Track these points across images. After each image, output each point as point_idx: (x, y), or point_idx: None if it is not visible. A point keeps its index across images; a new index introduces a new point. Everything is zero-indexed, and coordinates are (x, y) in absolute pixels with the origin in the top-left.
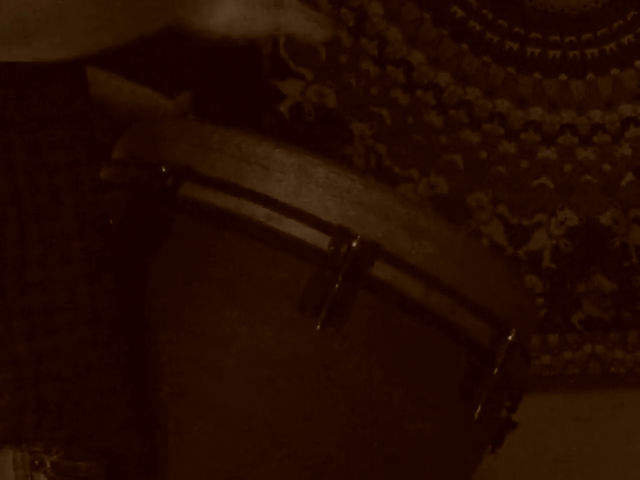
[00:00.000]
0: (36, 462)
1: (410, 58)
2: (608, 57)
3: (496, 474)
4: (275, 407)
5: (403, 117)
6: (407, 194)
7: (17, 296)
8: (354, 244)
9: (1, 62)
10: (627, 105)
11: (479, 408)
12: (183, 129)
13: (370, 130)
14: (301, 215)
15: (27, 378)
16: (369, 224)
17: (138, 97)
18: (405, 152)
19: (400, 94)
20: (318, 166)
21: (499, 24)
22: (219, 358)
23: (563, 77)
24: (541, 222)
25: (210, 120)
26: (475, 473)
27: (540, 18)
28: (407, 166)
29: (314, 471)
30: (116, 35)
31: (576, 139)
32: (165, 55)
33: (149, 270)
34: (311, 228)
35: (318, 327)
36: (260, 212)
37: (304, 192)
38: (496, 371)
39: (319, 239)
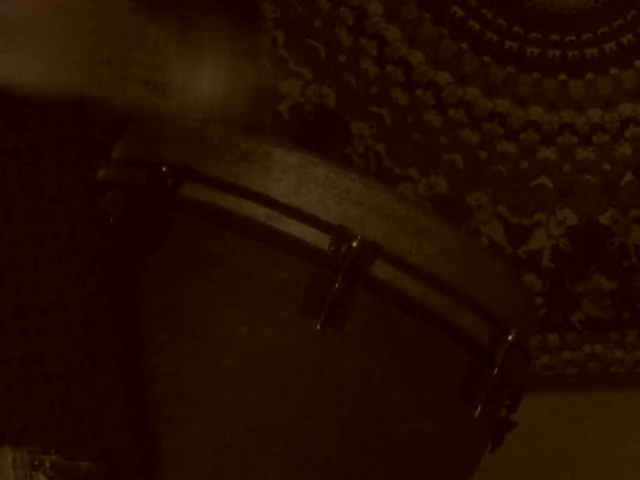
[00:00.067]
0: (35, 462)
1: (410, 57)
2: (608, 57)
3: (496, 473)
4: (275, 406)
5: (403, 117)
6: (407, 194)
7: (9, 297)
8: (354, 244)
9: None
10: (627, 104)
11: (479, 408)
12: (183, 129)
13: (370, 130)
14: (301, 215)
15: (17, 379)
16: (369, 224)
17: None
18: (405, 152)
19: (400, 94)
20: (318, 166)
21: (499, 23)
22: (219, 358)
23: (563, 77)
24: (540, 222)
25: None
26: (475, 472)
27: (540, 17)
28: (407, 166)
29: (314, 471)
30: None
31: (575, 139)
32: None
33: (149, 269)
34: (311, 228)
35: (318, 327)
36: (260, 212)
37: (304, 192)
38: (496, 371)
39: (319, 239)
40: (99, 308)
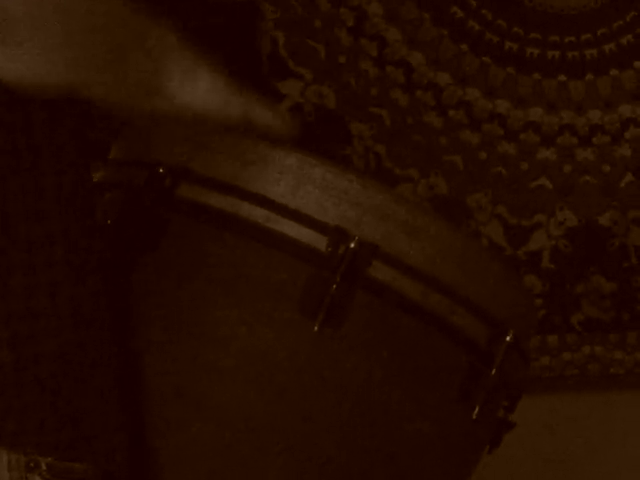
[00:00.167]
0: (31, 464)
1: (410, 58)
2: (607, 57)
3: (494, 474)
4: (274, 407)
5: (403, 118)
6: (406, 195)
7: (0, 302)
8: (352, 245)
9: None
10: (626, 106)
11: (477, 408)
12: (181, 129)
13: (369, 130)
14: (299, 216)
15: (10, 383)
16: (367, 225)
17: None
18: (405, 153)
19: (400, 94)
20: (316, 167)
21: (498, 24)
22: (218, 358)
23: (562, 77)
24: (540, 223)
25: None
26: (473, 473)
27: (539, 18)
28: (406, 167)
29: (313, 471)
30: (82, 87)
31: (575, 140)
32: None
33: (147, 270)
34: (309, 229)
35: (316, 328)
36: (258, 213)
37: (302, 193)
38: (494, 372)
39: (317, 240)
40: (93, 311)
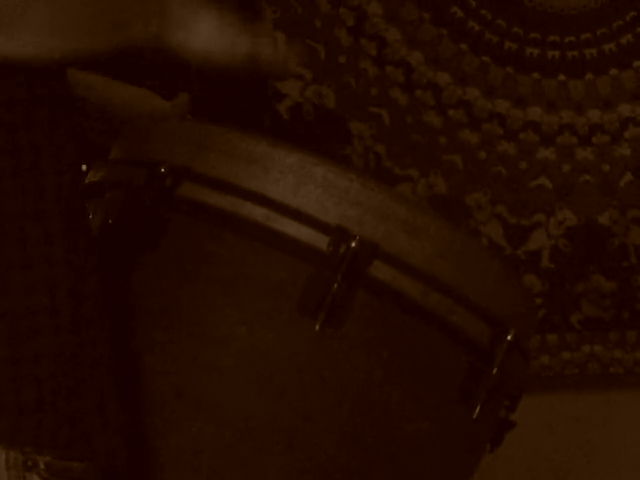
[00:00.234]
0: (29, 463)
1: (409, 58)
2: (607, 57)
3: (495, 474)
4: (274, 407)
5: (402, 117)
6: (406, 194)
7: None
8: (353, 244)
9: None
10: (626, 105)
11: (478, 408)
12: (182, 129)
13: (369, 130)
14: (299, 215)
15: (7, 380)
16: (368, 224)
17: (135, 99)
18: (404, 152)
19: (399, 94)
20: (317, 166)
21: (498, 24)
22: (218, 358)
23: (562, 77)
24: (540, 222)
25: (209, 120)
26: (474, 472)
27: (539, 18)
28: (406, 166)
29: (314, 471)
30: (84, 42)
31: (575, 139)
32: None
33: (147, 270)
34: (309, 228)
35: (317, 327)
36: (258, 212)
37: (302, 192)
38: (495, 371)
39: (318, 239)
40: (93, 310)
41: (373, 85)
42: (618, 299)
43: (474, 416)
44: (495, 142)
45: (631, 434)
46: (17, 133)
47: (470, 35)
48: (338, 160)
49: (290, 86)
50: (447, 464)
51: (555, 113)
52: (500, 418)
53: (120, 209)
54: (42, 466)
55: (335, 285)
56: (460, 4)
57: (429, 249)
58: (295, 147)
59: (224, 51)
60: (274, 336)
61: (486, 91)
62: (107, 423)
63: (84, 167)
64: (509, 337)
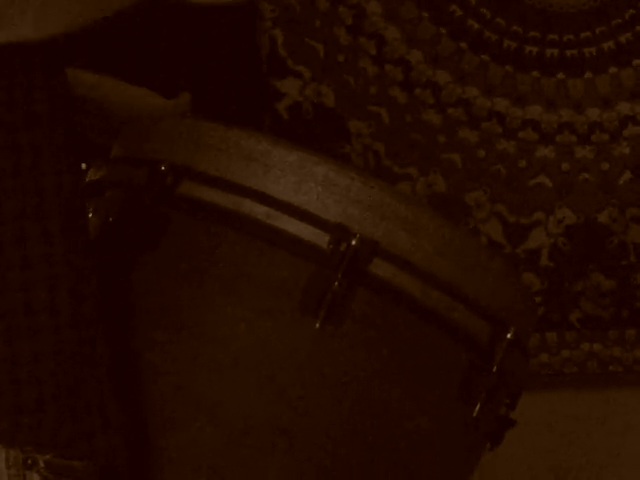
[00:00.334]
0: (29, 461)
1: (408, 57)
2: (606, 55)
3: (495, 472)
4: (274, 406)
5: (401, 116)
6: (405, 192)
7: None
8: (353, 242)
9: None
10: (625, 103)
11: (478, 406)
12: (182, 127)
13: (368, 129)
14: (300, 213)
15: (5, 379)
16: (368, 222)
17: (136, 99)
18: (403, 151)
19: (398, 93)
20: (317, 164)
21: (497, 22)
22: (218, 357)
23: (561, 75)
24: (539, 220)
25: (209, 119)
26: (474, 470)
27: (538, 16)
28: (405, 165)
29: (314, 469)
30: (93, 7)
31: (574, 137)
32: (163, 54)
33: (147, 268)
34: (310, 226)
35: (317, 325)
36: (259, 210)
37: (303, 190)
38: (495, 369)
39: (318, 237)
40: (92, 309)
41: (372, 84)
42: (617, 297)
43: (474, 414)
44: (494, 141)
45: (630, 432)
46: (17, 133)
47: (469, 33)
48: (338, 159)
49: (289, 85)
50: (447, 462)
51: (554, 112)
52: (500, 416)
53: (120, 208)
54: (42, 464)
55: (335, 283)
56: (459, 2)
57: (429, 247)
58: (296, 145)
59: None
60: (274, 334)
61: (485, 89)
62: (107, 422)
63: (84, 166)
64: (509, 335)
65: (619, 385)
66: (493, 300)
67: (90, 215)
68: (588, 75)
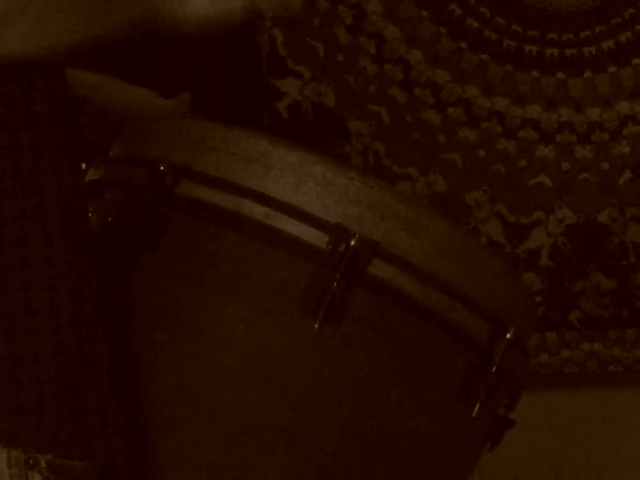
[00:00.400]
0: (31, 461)
1: (408, 56)
2: (606, 55)
3: (494, 472)
4: (274, 406)
5: (401, 115)
6: (405, 192)
7: None
8: (352, 242)
9: None
10: (625, 103)
11: (477, 406)
12: (182, 127)
13: (368, 128)
14: (299, 213)
15: (5, 381)
16: (367, 222)
17: (136, 98)
18: (403, 150)
19: (398, 92)
20: (316, 164)
21: (497, 22)
22: (218, 357)
23: (561, 75)
24: (539, 220)
25: (209, 119)
26: (474, 471)
27: (538, 16)
28: (405, 164)
29: (313, 469)
30: (85, 27)
31: (574, 137)
32: (163, 54)
33: (147, 269)
34: (309, 226)
35: (316, 325)
36: (258, 210)
37: (303, 190)
38: (494, 369)
39: (317, 237)
40: (92, 310)
41: (372, 83)
42: (617, 297)
43: (473, 414)
44: (494, 140)
45: (630, 432)
46: (17, 133)
47: (469, 33)
48: (337, 159)
49: (289, 85)
50: (446, 462)
51: (554, 111)
52: (499, 416)
53: (120, 208)
54: (44, 464)
55: (334, 284)
56: (459, 2)
57: (429, 247)
58: (295, 145)
59: (220, 12)
60: (274, 335)
61: (485, 89)
62: (107, 422)
63: (83, 166)
64: (508, 335)
65: (619, 385)
66: (493, 300)
67: (90, 215)
68: (588, 74)
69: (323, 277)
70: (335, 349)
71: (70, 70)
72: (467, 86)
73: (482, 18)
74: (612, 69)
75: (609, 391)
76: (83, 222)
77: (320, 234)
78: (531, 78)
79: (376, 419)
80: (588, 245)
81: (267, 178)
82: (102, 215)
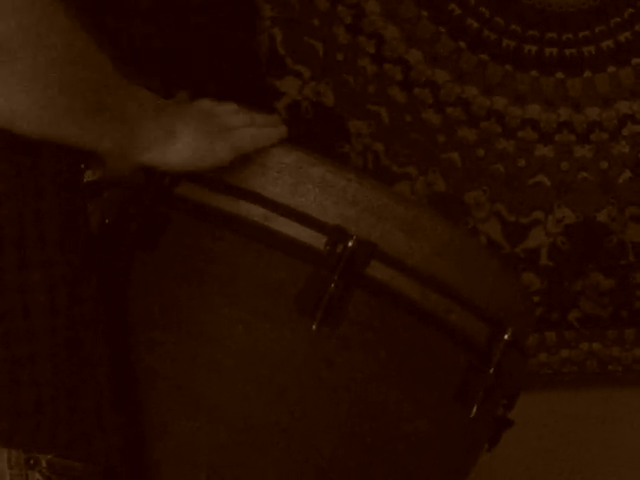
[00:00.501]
0: (31, 461)
1: (407, 56)
2: (605, 55)
3: (493, 472)
4: (272, 406)
5: (401, 115)
6: (405, 192)
7: None
8: (350, 244)
9: None
10: (624, 102)
11: (475, 407)
12: None
13: (368, 128)
14: (297, 215)
15: (4, 383)
16: (365, 224)
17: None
18: (403, 150)
19: (397, 92)
20: (314, 165)
21: (496, 22)
22: (216, 358)
23: (560, 75)
24: (538, 220)
25: None
26: (472, 471)
27: (537, 15)
28: (405, 164)
29: (311, 470)
30: (59, 129)
31: (573, 137)
32: (163, 54)
33: (145, 269)
34: (307, 228)
35: (314, 327)
36: (256, 212)
37: (301, 192)
38: (492, 370)
39: (315, 239)
40: (90, 312)
41: (371, 83)
42: (616, 297)
43: (472, 415)
44: (493, 140)
45: (630, 432)
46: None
47: (468, 33)
48: (336, 159)
49: (288, 84)
50: (445, 463)
51: (553, 111)
52: (498, 417)
53: (118, 208)
54: (44, 464)
55: (332, 285)
56: (458, 1)
57: (427, 248)
58: (293, 146)
59: (203, 158)
60: (272, 336)
61: (484, 89)
62: (105, 423)
63: (82, 166)
64: (506, 336)
65: (618, 384)
66: (491, 301)
67: (89, 215)
68: (587, 74)
69: (321, 278)
70: (333, 350)
71: None
72: (466, 86)
73: (482, 18)
74: (611, 69)
75: (608, 391)
76: (82, 222)
77: (318, 235)
78: (530, 78)
79: (374, 420)
80: (587, 245)
81: (265, 179)
82: (101, 215)
